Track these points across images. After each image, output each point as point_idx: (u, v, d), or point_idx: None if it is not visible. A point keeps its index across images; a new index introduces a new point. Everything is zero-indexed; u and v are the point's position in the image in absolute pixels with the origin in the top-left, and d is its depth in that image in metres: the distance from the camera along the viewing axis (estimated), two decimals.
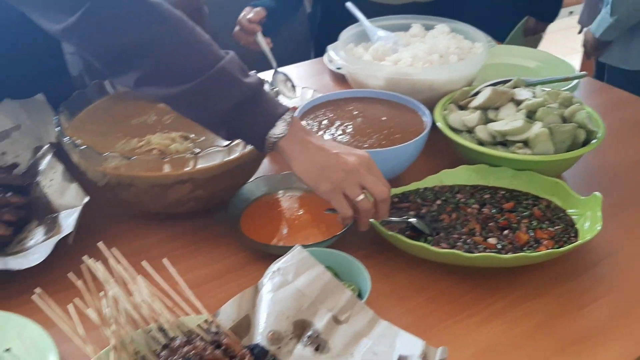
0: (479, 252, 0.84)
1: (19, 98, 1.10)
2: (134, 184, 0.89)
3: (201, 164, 0.89)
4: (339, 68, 1.47)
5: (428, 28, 1.35)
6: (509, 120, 1.03)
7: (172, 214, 0.97)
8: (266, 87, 0.87)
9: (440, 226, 0.90)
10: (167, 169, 0.88)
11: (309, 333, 0.69)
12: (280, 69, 1.42)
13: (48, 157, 0.99)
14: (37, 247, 0.87)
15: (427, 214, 0.93)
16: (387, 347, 0.66)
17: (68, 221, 0.89)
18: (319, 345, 0.68)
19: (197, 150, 0.94)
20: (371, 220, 0.86)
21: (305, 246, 0.76)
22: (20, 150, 1.05)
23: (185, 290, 0.72)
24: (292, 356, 0.68)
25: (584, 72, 1.25)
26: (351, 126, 1.06)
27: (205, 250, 0.93)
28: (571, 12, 4.22)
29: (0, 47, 1.07)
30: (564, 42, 3.35)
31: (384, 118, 1.08)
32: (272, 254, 0.83)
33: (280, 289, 0.72)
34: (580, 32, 2.17)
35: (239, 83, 0.81)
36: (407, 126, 1.06)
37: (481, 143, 1.03)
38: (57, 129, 0.93)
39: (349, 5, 1.39)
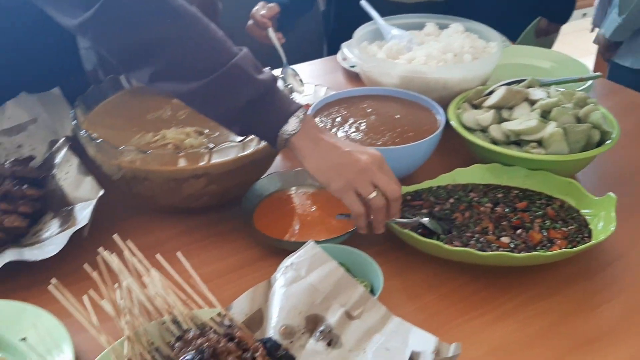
0: (492, 250, 0.84)
1: (35, 92, 1.11)
2: (148, 178, 0.90)
3: (216, 159, 0.89)
4: (352, 66, 1.47)
5: (442, 27, 1.35)
6: (523, 120, 1.03)
7: (186, 208, 0.98)
8: (280, 83, 0.87)
9: (453, 224, 0.90)
10: (182, 163, 0.89)
11: (322, 328, 0.69)
12: (293, 66, 1.42)
13: (64, 151, 1.00)
14: (52, 239, 0.88)
15: (440, 212, 0.93)
16: (400, 343, 0.66)
17: (83, 214, 0.90)
18: (331, 340, 0.68)
19: (212, 145, 0.94)
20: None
21: (318, 242, 0.76)
22: (36, 143, 1.06)
23: (198, 284, 0.73)
24: (305, 351, 0.68)
25: (598, 73, 1.25)
26: (365, 124, 1.06)
27: (218, 245, 0.94)
28: (584, 14, 4.19)
29: (18, 42, 1.08)
30: (577, 43, 3.34)
31: (397, 116, 1.08)
32: (284, 250, 0.84)
33: (293, 284, 0.72)
34: (592, 31, 2.16)
35: (252, 80, 0.82)
36: (421, 124, 1.06)
37: (495, 142, 1.03)
38: (73, 123, 0.94)
39: (363, 3, 1.39)
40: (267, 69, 0.86)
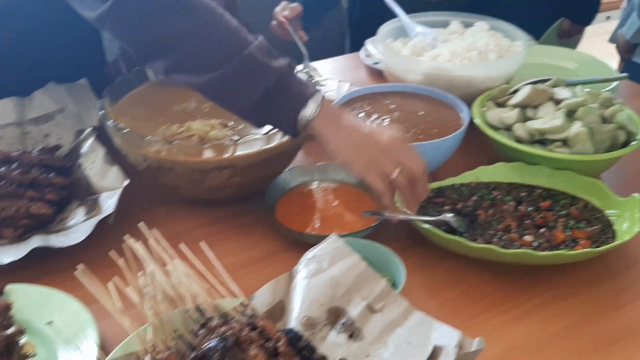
0: (515, 248, 0.84)
1: (59, 81, 1.13)
2: (174, 169, 0.91)
3: (240, 151, 0.90)
4: (376, 63, 1.47)
5: (467, 25, 1.35)
6: (548, 119, 1.02)
7: (209, 200, 0.99)
8: (300, 67, 0.86)
9: (476, 222, 0.90)
10: (206, 154, 0.90)
11: (343, 320, 0.69)
12: (315, 63, 1.43)
13: (90, 140, 1.02)
14: (78, 227, 0.89)
15: (463, 209, 0.92)
16: (422, 337, 0.66)
17: (108, 203, 0.91)
18: (352, 332, 0.68)
19: (236, 137, 0.95)
20: (409, 216, 0.86)
21: (340, 236, 0.77)
22: (63, 132, 1.07)
23: (222, 274, 0.73)
24: (326, 342, 0.68)
25: (625, 74, 1.24)
26: (388, 120, 1.06)
27: (240, 236, 0.95)
28: (608, 17, 4.15)
29: (45, 35, 1.10)
30: (601, 46, 3.30)
31: (421, 113, 1.08)
32: (306, 243, 0.84)
33: (315, 276, 0.72)
34: (611, 38, 2.16)
35: (267, 68, 0.82)
36: (445, 122, 1.05)
37: (519, 141, 1.03)
38: (100, 113, 0.95)
39: (388, 0, 1.39)
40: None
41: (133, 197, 0.94)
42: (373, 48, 1.23)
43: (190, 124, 0.99)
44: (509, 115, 1.06)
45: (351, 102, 1.11)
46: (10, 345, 0.67)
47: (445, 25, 1.36)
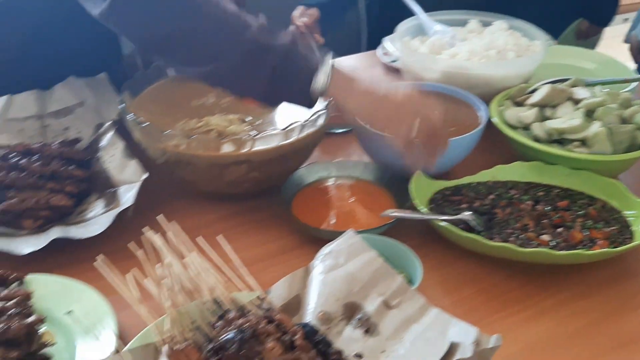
0: (532, 248, 0.84)
1: (79, 75, 1.14)
2: (192, 163, 0.91)
3: (258, 146, 0.90)
4: (393, 61, 1.47)
5: (485, 24, 1.34)
6: (566, 118, 1.02)
7: (226, 194, 0.99)
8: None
9: (494, 221, 0.90)
10: (225, 149, 0.90)
11: (359, 316, 0.69)
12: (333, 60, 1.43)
13: (109, 134, 1.02)
14: (97, 219, 0.90)
15: (480, 208, 0.92)
16: (439, 333, 0.66)
17: (127, 196, 0.92)
18: (368, 328, 0.69)
19: (255, 132, 0.95)
20: (428, 215, 0.86)
21: (357, 232, 0.77)
22: (83, 126, 1.08)
23: (239, 267, 0.74)
24: (342, 337, 0.68)
25: None
26: None
27: (257, 231, 0.95)
28: (626, 19, 4.11)
29: (64, 27, 1.11)
30: (620, 48, 3.27)
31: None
32: (322, 239, 0.84)
33: (332, 271, 0.72)
34: (625, 38, 2.13)
35: (270, 48, 0.83)
36: (462, 120, 1.05)
37: (537, 140, 1.02)
38: (120, 107, 0.96)
39: None
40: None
41: (151, 191, 0.95)
42: (391, 46, 1.23)
43: (208, 118, 0.99)
44: (527, 114, 1.05)
45: None
46: (30, 334, 0.68)
47: (463, 24, 1.36)
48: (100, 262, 0.70)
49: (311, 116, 0.93)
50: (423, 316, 0.69)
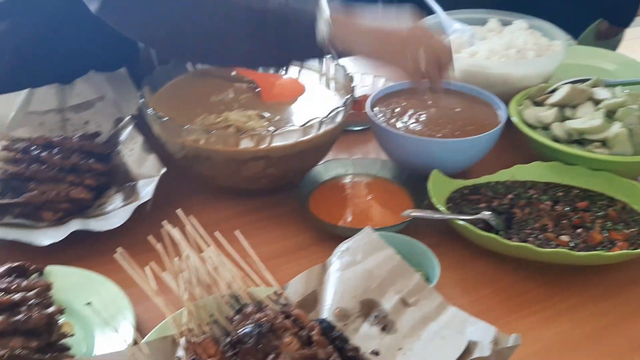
0: (551, 248, 0.83)
1: (99, 69, 1.15)
2: (210, 158, 0.92)
3: (277, 142, 0.91)
4: None
5: (505, 23, 1.33)
6: (587, 119, 1.01)
7: (244, 190, 1.00)
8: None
9: (513, 220, 0.89)
10: (243, 145, 0.90)
11: (376, 313, 0.69)
12: (351, 58, 1.42)
13: (129, 128, 1.03)
14: (116, 212, 0.90)
15: (499, 207, 0.92)
16: (457, 332, 0.65)
17: (146, 190, 0.92)
18: (385, 325, 0.68)
19: (273, 128, 0.95)
20: (448, 215, 0.86)
21: (374, 230, 0.77)
22: (102, 120, 1.09)
23: (256, 262, 0.74)
24: (358, 334, 0.68)
25: None
26: (425, 115, 1.05)
27: (273, 227, 0.95)
28: None
29: (84, 22, 1.12)
30: None
31: (458, 109, 1.07)
32: (339, 236, 0.84)
33: (349, 268, 0.72)
34: None
35: (266, 11, 0.86)
36: (481, 119, 1.05)
37: (556, 140, 1.01)
38: (140, 101, 0.97)
39: None
40: None
41: (169, 186, 0.95)
42: None
43: (227, 114, 1.00)
44: (547, 114, 1.05)
45: (387, 97, 1.11)
46: (50, 324, 0.69)
47: (482, 22, 1.35)
48: (120, 255, 0.70)
49: (330, 113, 0.93)
50: (440, 314, 0.68)
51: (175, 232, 0.75)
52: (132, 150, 1.00)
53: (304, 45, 0.88)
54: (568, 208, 0.92)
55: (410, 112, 1.07)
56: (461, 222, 0.85)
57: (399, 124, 1.03)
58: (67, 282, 0.79)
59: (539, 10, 1.36)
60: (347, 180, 1.02)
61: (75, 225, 0.88)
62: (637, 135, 0.97)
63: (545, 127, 1.05)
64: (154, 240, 0.73)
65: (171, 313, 0.68)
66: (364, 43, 0.90)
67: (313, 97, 1.07)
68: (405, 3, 1.62)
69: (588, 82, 1.12)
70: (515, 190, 0.96)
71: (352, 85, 1.02)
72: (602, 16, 2.08)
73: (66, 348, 0.69)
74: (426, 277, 0.80)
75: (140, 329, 0.73)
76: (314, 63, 1.11)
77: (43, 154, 0.96)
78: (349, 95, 0.98)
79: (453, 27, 1.31)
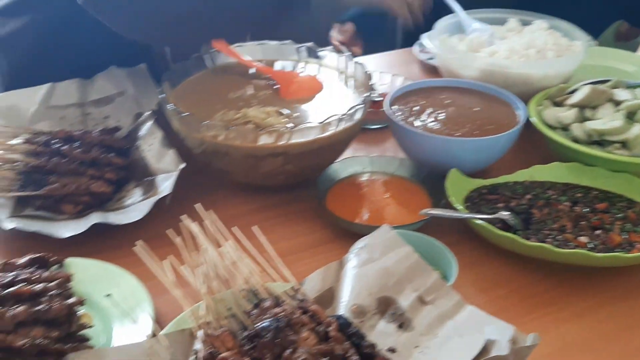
0: (570, 249, 0.83)
1: (119, 65, 1.15)
2: (229, 154, 0.92)
3: (295, 139, 0.91)
4: (430, 58, 1.46)
5: (525, 23, 1.33)
6: (607, 120, 1.00)
7: (261, 186, 1.00)
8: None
9: (531, 221, 0.89)
10: (262, 141, 0.91)
11: (393, 310, 0.69)
12: (368, 57, 1.43)
13: (149, 124, 1.04)
14: (136, 206, 0.91)
15: (517, 207, 0.91)
16: (474, 330, 0.65)
17: (165, 184, 0.93)
18: (402, 323, 0.68)
19: (292, 125, 0.96)
20: (466, 214, 0.86)
21: (392, 227, 0.77)
22: (122, 115, 1.10)
23: (273, 258, 0.74)
24: (375, 331, 0.68)
25: None
26: (443, 114, 1.05)
27: (291, 223, 0.96)
28: None
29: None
30: None
31: (477, 109, 1.07)
32: (356, 233, 0.84)
33: (366, 265, 0.72)
34: None
35: None
36: (500, 118, 1.04)
37: (576, 141, 1.01)
38: (160, 97, 0.98)
39: None
40: None
41: (187, 181, 0.96)
42: (429, 43, 1.23)
43: (246, 110, 1.00)
44: (567, 114, 1.04)
45: (405, 95, 1.11)
46: (70, 315, 0.70)
47: (502, 22, 1.34)
48: (140, 247, 0.71)
49: (348, 110, 0.93)
50: (458, 313, 0.68)
51: (194, 226, 0.76)
52: (151, 145, 1.00)
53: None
54: (587, 209, 0.91)
55: (429, 110, 1.06)
56: (479, 222, 0.85)
57: (417, 123, 1.03)
58: (87, 274, 0.79)
59: (558, 11, 1.35)
60: (365, 178, 1.02)
61: (95, 218, 0.89)
62: None
63: (565, 128, 1.04)
64: (173, 233, 0.74)
65: (189, 306, 0.69)
66: None
67: (331, 94, 1.07)
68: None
69: (608, 83, 1.11)
70: (533, 191, 0.95)
71: (370, 83, 1.03)
72: (622, 17, 2.06)
73: (86, 339, 0.70)
74: (443, 276, 0.80)
75: (159, 321, 0.74)
76: (332, 60, 1.11)
77: (64, 147, 0.97)
78: (367, 93, 0.98)
79: (472, 26, 1.31)
